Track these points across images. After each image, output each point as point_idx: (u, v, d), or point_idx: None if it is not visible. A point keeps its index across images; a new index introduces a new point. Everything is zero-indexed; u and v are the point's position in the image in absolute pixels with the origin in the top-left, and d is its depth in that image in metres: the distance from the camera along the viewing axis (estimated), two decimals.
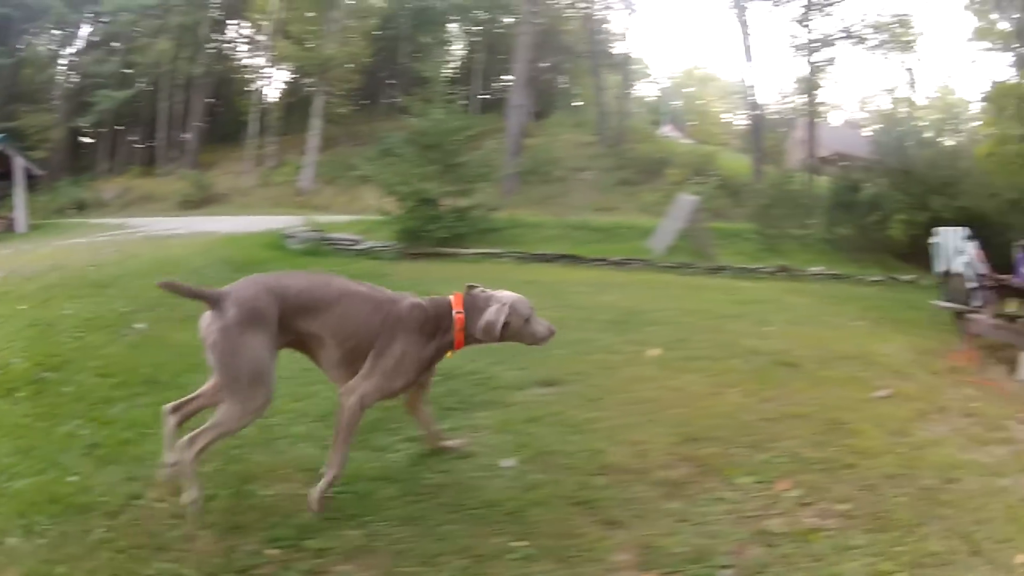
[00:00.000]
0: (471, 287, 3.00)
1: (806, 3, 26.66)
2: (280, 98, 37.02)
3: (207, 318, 2.57)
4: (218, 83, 37.21)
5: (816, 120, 29.62)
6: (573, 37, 34.43)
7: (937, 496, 3.52)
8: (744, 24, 27.57)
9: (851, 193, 19.56)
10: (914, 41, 30.58)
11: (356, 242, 13.16)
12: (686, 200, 16.25)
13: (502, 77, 37.63)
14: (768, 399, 4.82)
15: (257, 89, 35.36)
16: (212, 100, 36.91)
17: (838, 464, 3.76)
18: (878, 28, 29.31)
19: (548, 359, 4.91)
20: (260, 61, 36.25)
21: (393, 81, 37.72)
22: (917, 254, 18.91)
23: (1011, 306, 7.92)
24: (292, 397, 3.88)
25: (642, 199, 22.86)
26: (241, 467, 3.01)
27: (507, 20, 34.45)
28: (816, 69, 28.67)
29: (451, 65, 37.83)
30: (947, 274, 9.01)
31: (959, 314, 7.69)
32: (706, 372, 5.20)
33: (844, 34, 28.44)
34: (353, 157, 24.96)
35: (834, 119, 42.32)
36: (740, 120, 48.33)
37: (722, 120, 56.92)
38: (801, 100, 32.27)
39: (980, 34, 28.14)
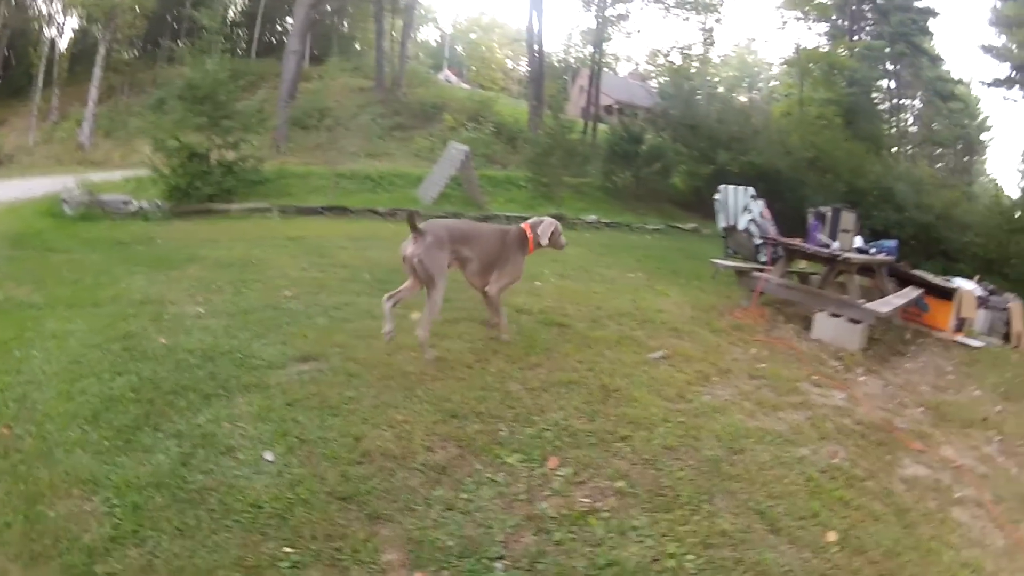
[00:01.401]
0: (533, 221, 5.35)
1: None
2: (67, 48, 35.00)
3: (410, 243, 4.59)
4: (11, 34, 33.80)
5: (601, 70, 32.33)
6: None
7: (723, 469, 3.60)
8: None
9: (632, 143, 21.46)
10: (719, 4, 33.33)
11: (128, 203, 13.44)
12: (456, 149, 17.45)
13: (284, 20, 38.56)
14: (535, 365, 4.81)
15: (49, 38, 33.19)
16: (5, 53, 34.02)
17: (612, 436, 3.78)
18: None
19: (309, 328, 5.20)
20: (54, 8, 33.84)
21: (176, 25, 36.94)
22: (699, 204, 21.67)
23: (801, 264, 8.73)
24: (63, 396, 3.89)
25: (415, 145, 24.71)
26: (27, 487, 3.02)
27: None
28: (607, 22, 30.73)
29: (233, 8, 38.43)
30: (732, 229, 9.75)
31: (743, 271, 8.20)
32: (470, 337, 5.33)
33: None
34: (133, 108, 26.59)
35: (620, 70, 45.93)
36: (522, 67, 52.20)
37: (505, 67, 61.04)
38: (588, 51, 34.14)
39: (793, 3, 31.85)
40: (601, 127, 27.72)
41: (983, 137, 38.22)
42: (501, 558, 2.69)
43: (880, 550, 3.09)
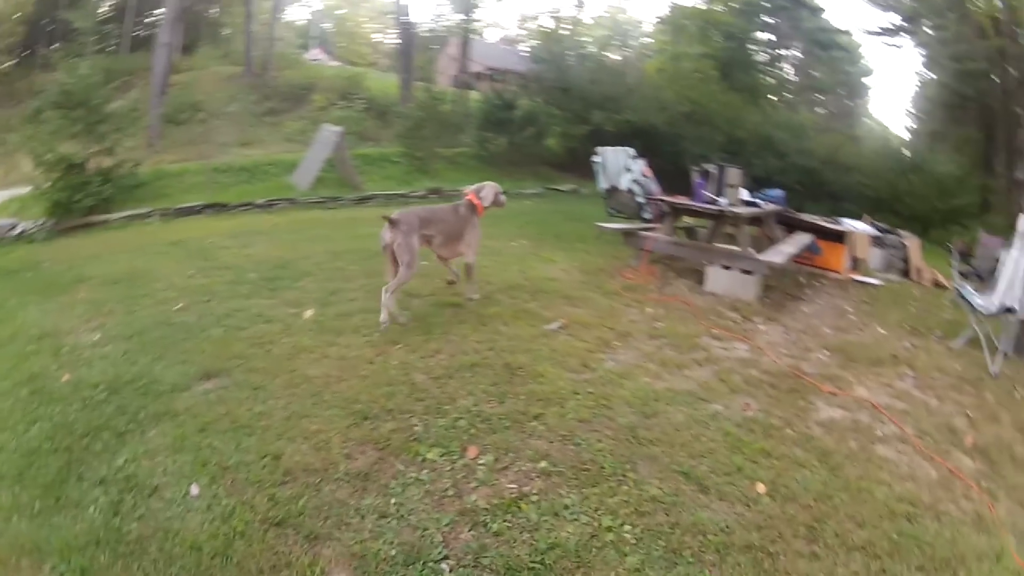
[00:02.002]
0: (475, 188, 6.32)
1: None
2: None
3: (388, 231, 5.41)
4: None
5: (470, 37, 32.52)
6: None
7: (640, 434, 3.71)
8: None
9: (506, 110, 21.80)
10: None
11: (13, 227, 13.33)
12: (328, 131, 17.60)
13: (155, 12, 36.77)
14: (435, 351, 4.83)
15: None
16: None
17: (525, 416, 3.83)
18: None
19: (205, 342, 5.13)
20: None
21: (51, 29, 35.27)
22: (575, 165, 22.37)
23: (686, 220, 9.01)
24: None
25: (287, 129, 24.54)
26: None
27: None
28: None
29: (106, 5, 36.39)
30: (614, 189, 9.97)
31: (629, 232, 8.40)
32: (364, 330, 5.33)
33: None
34: (12, 121, 24.72)
35: (490, 36, 46.56)
36: (390, 39, 52.10)
37: (372, 40, 61.50)
38: (456, 18, 34.19)
39: None
40: (473, 95, 27.83)
41: (866, 81, 40.30)
42: (445, 558, 2.75)
43: (810, 495, 3.26)
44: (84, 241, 11.77)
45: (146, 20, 37.84)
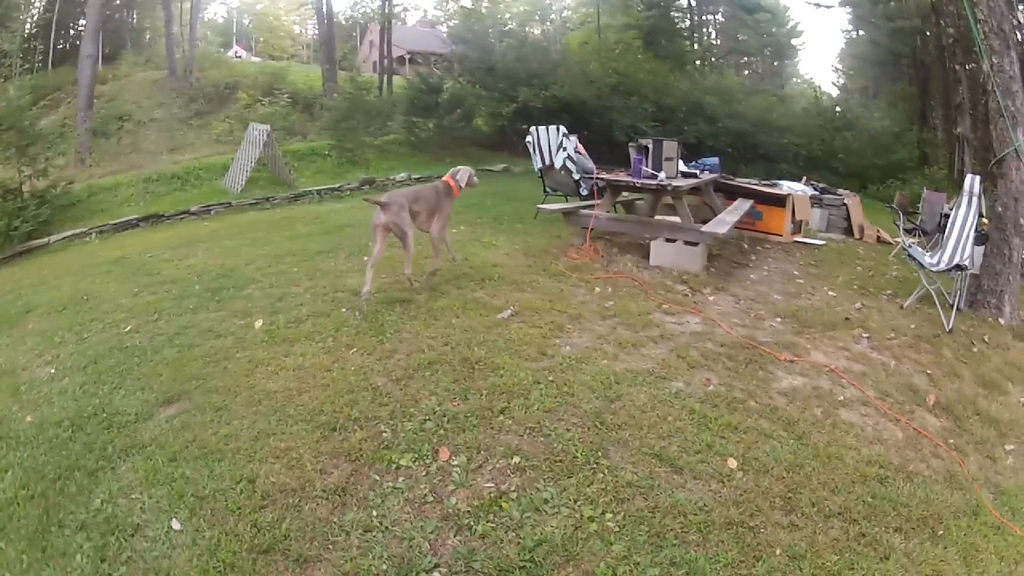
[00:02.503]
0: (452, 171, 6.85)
1: None
2: None
3: (380, 213, 5.94)
4: None
5: (391, 23, 32.45)
6: None
7: (607, 419, 3.76)
8: None
9: (431, 94, 21.86)
10: None
11: None
12: (258, 130, 17.45)
13: (77, 24, 36.33)
14: (391, 352, 4.80)
15: None
16: None
17: (491, 412, 3.85)
18: None
19: (160, 365, 5.01)
20: None
21: None
22: (505, 144, 22.77)
23: (626, 195, 9.10)
24: None
25: (214, 130, 24.69)
26: None
27: None
28: None
29: (29, 21, 35.64)
30: (549, 168, 10.03)
31: (569, 213, 8.46)
32: (318, 336, 5.29)
33: None
34: None
35: (409, 19, 46.70)
36: (310, 31, 53.71)
37: (293, 33, 62.73)
38: (376, 5, 34.22)
39: None
40: (397, 80, 27.79)
41: (793, 42, 41.01)
42: (436, 567, 2.77)
43: (782, 466, 3.36)
44: (26, 268, 11.56)
45: (69, 32, 37.45)
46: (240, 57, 43.40)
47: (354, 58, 38.09)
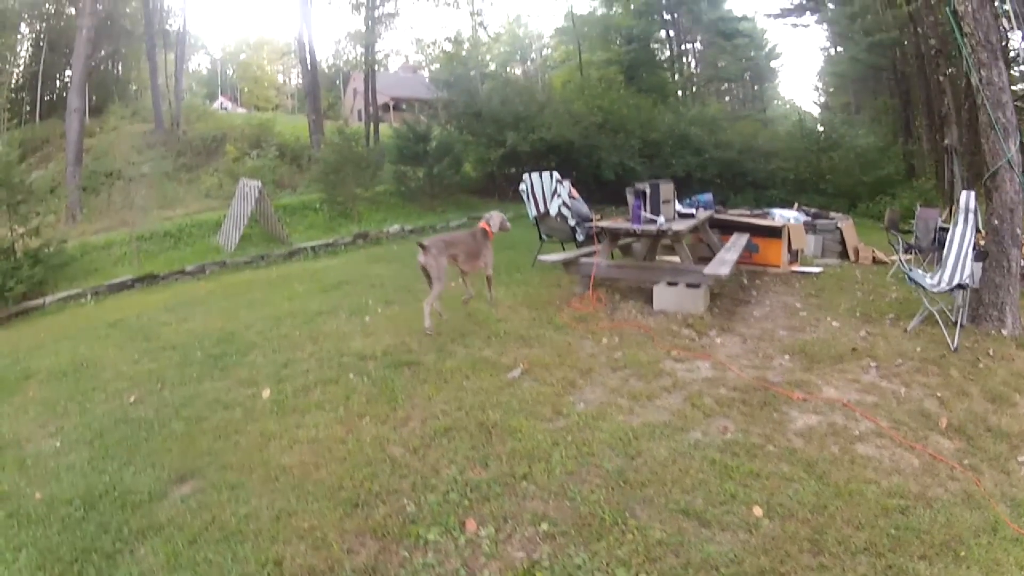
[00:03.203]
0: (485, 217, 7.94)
1: None
2: None
3: (423, 255, 6.89)
4: None
5: (375, 70, 33.04)
6: (130, 20, 37.76)
7: (630, 477, 3.82)
8: None
9: (420, 142, 22.00)
10: None
11: None
12: (249, 186, 17.65)
13: (63, 75, 37.46)
14: (405, 420, 4.85)
15: None
16: None
17: (513, 478, 3.89)
18: None
19: (168, 439, 4.98)
20: None
21: None
22: (494, 188, 23.03)
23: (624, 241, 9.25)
24: None
25: (204, 184, 25.09)
26: None
27: (70, 11, 36.41)
28: (376, 22, 31.59)
29: (17, 72, 36.98)
30: (544, 215, 10.15)
31: (569, 262, 8.64)
32: (328, 405, 5.29)
33: None
34: None
35: (391, 65, 47.46)
36: (294, 80, 55.59)
37: (277, 83, 65.05)
38: (359, 53, 35.00)
39: None
40: (383, 128, 28.36)
41: (773, 64, 41.66)
42: None
43: (806, 508, 3.44)
44: (23, 330, 11.59)
45: (55, 84, 38.22)
46: (226, 109, 44.57)
47: (339, 108, 38.73)
